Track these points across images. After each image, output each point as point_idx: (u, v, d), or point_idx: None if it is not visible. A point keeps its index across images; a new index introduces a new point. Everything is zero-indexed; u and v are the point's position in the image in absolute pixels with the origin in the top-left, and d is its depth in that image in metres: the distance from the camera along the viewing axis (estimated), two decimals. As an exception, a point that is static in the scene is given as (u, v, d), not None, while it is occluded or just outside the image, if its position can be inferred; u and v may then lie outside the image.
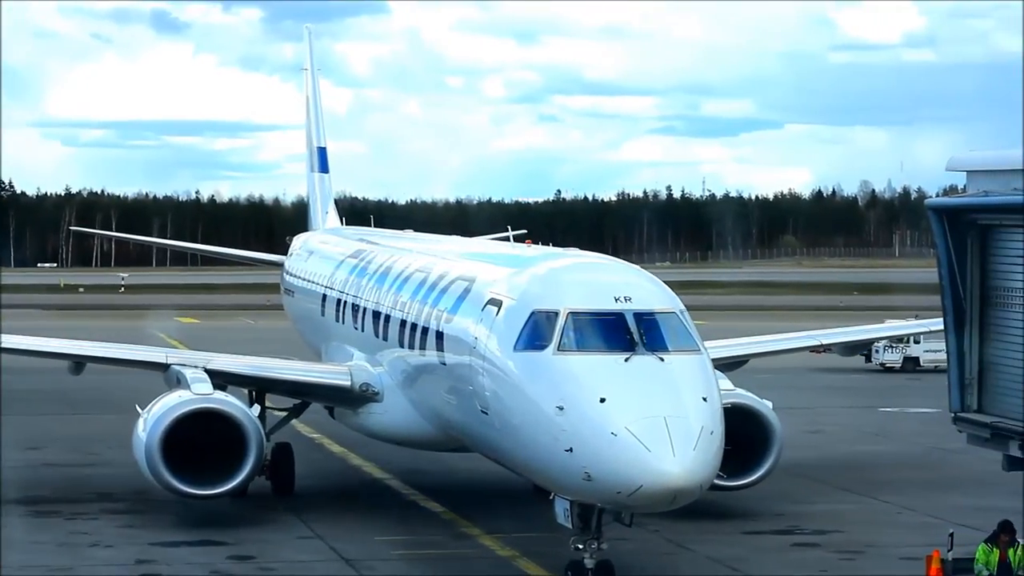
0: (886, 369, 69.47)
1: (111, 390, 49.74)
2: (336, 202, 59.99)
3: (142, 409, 33.22)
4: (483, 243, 45.54)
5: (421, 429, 33.01)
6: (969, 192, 27.39)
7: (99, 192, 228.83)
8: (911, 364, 69.24)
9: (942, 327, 27.90)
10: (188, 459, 32.28)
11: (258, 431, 32.85)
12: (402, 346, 33.34)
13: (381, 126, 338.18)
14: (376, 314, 36.40)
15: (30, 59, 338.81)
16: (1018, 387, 25.92)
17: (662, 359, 24.46)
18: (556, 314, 25.24)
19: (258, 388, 37.24)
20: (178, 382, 34.67)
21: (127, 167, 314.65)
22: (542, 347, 25.06)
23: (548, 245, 41.89)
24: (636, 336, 24.65)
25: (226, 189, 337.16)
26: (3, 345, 37.87)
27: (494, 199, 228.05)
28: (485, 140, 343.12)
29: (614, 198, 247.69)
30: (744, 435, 32.01)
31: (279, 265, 54.36)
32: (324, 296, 43.68)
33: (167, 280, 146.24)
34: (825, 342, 43.53)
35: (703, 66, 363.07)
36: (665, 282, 27.22)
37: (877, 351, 68.42)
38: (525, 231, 62.41)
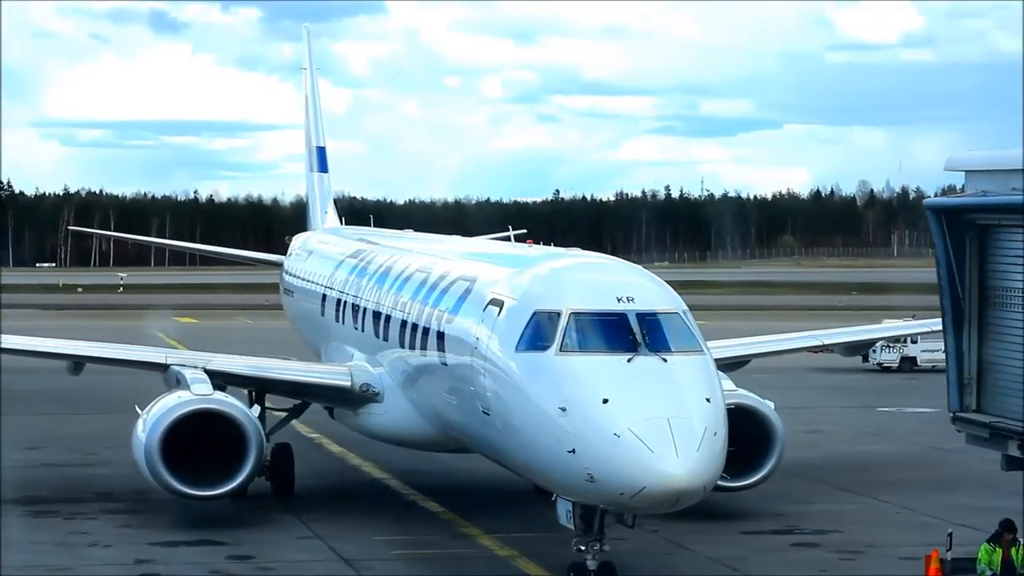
0: (883, 369, 69.55)
1: (110, 390, 49.74)
2: (335, 202, 59.98)
3: (141, 410, 33.19)
4: (484, 243, 45.50)
5: (421, 430, 33.00)
6: (968, 192, 27.40)
7: (97, 192, 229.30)
8: (908, 364, 69.32)
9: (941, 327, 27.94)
10: (188, 460, 32.24)
11: (258, 432, 32.83)
12: (403, 346, 33.33)
13: (379, 126, 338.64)
14: (376, 314, 36.39)
15: (28, 59, 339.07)
16: (1017, 387, 25.95)
17: (665, 360, 24.44)
18: (558, 314, 25.22)
19: (258, 388, 37.21)
20: (178, 382, 34.65)
21: (125, 167, 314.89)
22: (544, 348, 25.03)
23: (549, 245, 41.82)
24: (639, 336, 24.62)
25: (225, 189, 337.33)
26: (3, 345, 37.86)
27: (492, 199, 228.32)
28: (483, 140, 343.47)
29: (612, 198, 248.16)
30: (746, 436, 31.97)
31: (278, 265, 54.38)
32: (324, 296, 43.68)
33: (165, 280, 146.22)
34: (827, 342, 43.48)
35: (701, 66, 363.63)
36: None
37: (874, 351, 68.48)
38: (525, 231, 62.35)
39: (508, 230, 48.47)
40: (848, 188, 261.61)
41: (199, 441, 32.40)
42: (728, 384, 31.39)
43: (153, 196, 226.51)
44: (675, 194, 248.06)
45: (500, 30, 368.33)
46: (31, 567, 29.69)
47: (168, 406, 32.77)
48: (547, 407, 24.34)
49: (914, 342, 68.16)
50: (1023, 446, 25.73)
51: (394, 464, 40.22)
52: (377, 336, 35.87)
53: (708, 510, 31.70)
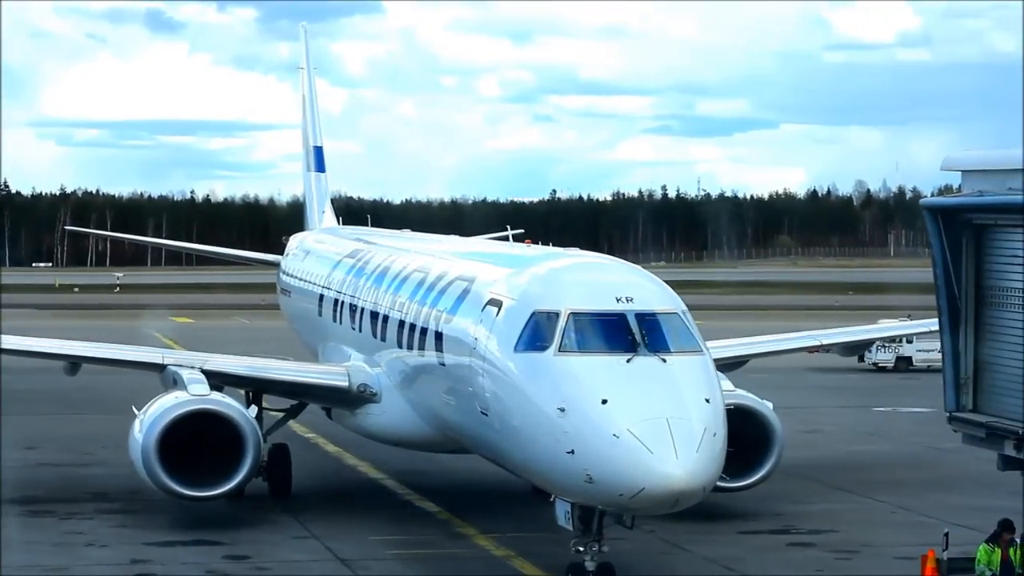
0: (879, 368, 69.58)
1: (106, 390, 49.73)
2: (331, 202, 59.94)
3: (138, 410, 33.16)
4: (482, 243, 45.46)
5: (419, 430, 32.98)
6: (964, 192, 27.41)
7: (94, 192, 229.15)
8: (904, 364, 69.34)
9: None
10: (185, 460, 32.20)
11: (255, 432, 32.80)
12: (400, 347, 33.31)
13: (376, 126, 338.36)
14: (374, 314, 36.36)
15: (25, 59, 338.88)
16: (1013, 387, 25.97)
17: (664, 360, 24.41)
18: (557, 314, 25.18)
19: (255, 389, 37.15)
20: (175, 383, 34.63)
21: (122, 167, 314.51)
22: (543, 348, 24.99)
23: (548, 245, 41.79)
24: (638, 337, 24.58)
25: (221, 189, 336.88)
26: (2, 346, 37.82)
27: (489, 199, 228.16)
28: (480, 140, 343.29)
29: (609, 198, 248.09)
30: (745, 436, 31.92)
31: (275, 265, 54.35)
32: (321, 296, 43.65)
33: (162, 280, 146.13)
34: (826, 342, 43.39)
35: (698, 66, 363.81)
36: (659, 282, 27.20)
37: (870, 351, 68.49)
38: (523, 231, 62.35)
39: (506, 229, 48.51)
40: (845, 188, 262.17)
41: (196, 442, 32.37)
42: (727, 384, 31.38)
43: (150, 196, 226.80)
44: (671, 194, 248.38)
45: (497, 30, 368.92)
46: (27, 567, 29.67)
47: (165, 407, 32.74)
48: (546, 407, 24.30)
49: (909, 342, 68.14)
50: (1019, 446, 25.74)
51: (391, 464, 40.22)
52: (375, 336, 35.85)
53: (705, 510, 31.65)
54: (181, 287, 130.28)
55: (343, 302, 40.36)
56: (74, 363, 39.07)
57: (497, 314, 26.80)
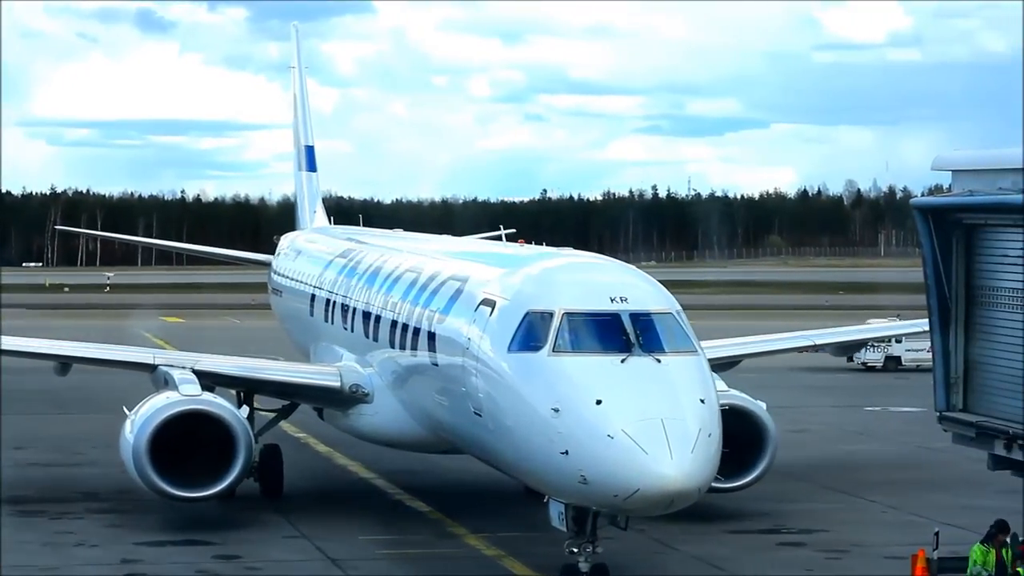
0: (868, 368, 69.65)
1: (96, 390, 49.65)
2: (322, 201, 59.87)
3: (129, 410, 33.10)
4: (475, 243, 45.43)
5: (412, 431, 32.95)
6: (954, 191, 27.48)
7: (84, 191, 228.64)
8: (893, 363, 69.42)
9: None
10: (176, 461, 32.15)
11: (247, 433, 32.76)
12: (393, 347, 33.27)
13: (367, 125, 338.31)
14: (366, 314, 36.31)
15: (15, 58, 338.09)
16: (1003, 386, 26.05)
17: (659, 360, 24.34)
18: (551, 315, 25.12)
19: (246, 389, 37.11)
20: (166, 383, 34.55)
21: (112, 166, 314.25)
22: (537, 348, 24.94)
23: (541, 244, 41.77)
24: (632, 337, 24.53)
25: (211, 188, 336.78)
26: (2, 347, 37.70)
27: (479, 198, 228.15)
28: (470, 139, 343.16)
29: (599, 197, 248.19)
30: (739, 436, 31.91)
31: (266, 264, 54.26)
32: (313, 296, 43.60)
33: (152, 280, 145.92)
34: (819, 342, 43.37)
35: (688, 65, 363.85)
36: (650, 281, 27.17)
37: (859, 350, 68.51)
38: (514, 230, 62.32)
39: (499, 229, 48.45)
40: (835, 188, 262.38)
41: (187, 442, 32.32)
42: (720, 384, 31.39)
43: (140, 196, 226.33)
44: (662, 194, 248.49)
45: (487, 30, 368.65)
46: (17, 567, 29.62)
47: (156, 407, 32.69)
48: (540, 408, 24.24)
49: (898, 341, 68.16)
50: (1009, 445, 25.81)
51: (381, 464, 40.20)
52: (367, 336, 35.81)
53: (696, 510, 31.68)
54: (171, 287, 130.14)
55: (335, 302, 40.32)
56: (65, 363, 39.00)
57: (491, 314, 26.76)
